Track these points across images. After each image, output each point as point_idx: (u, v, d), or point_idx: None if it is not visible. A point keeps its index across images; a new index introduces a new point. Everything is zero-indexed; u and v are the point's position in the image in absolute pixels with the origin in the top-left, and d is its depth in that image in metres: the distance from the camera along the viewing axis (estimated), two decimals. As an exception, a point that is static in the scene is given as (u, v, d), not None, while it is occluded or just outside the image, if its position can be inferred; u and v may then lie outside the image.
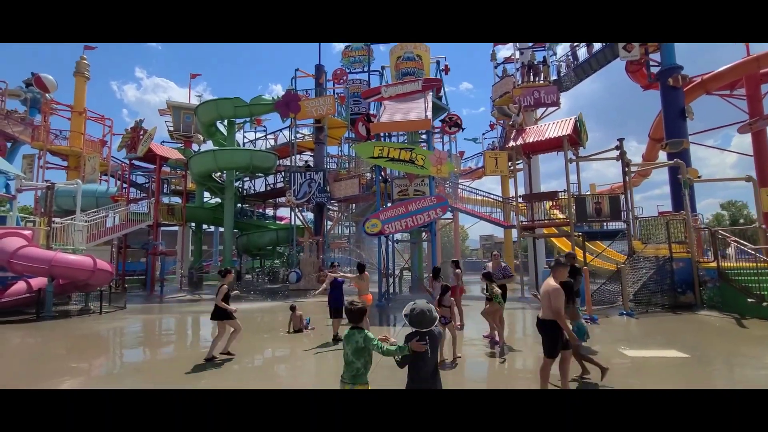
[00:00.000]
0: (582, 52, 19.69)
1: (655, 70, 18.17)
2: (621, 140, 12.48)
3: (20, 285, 11.74)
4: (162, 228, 27.56)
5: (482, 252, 42.62)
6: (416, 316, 2.73)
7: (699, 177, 16.28)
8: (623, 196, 12.50)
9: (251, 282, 24.34)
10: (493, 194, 17.04)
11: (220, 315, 6.46)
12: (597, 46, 18.91)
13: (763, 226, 12.37)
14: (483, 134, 27.41)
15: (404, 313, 2.83)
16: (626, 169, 12.39)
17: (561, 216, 14.65)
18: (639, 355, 6.24)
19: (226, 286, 6.52)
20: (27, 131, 24.66)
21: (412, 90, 13.22)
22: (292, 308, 8.68)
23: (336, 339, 7.41)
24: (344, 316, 7.71)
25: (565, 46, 21.21)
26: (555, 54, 20.83)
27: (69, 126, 25.08)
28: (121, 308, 12.93)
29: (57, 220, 14.95)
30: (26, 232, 12.44)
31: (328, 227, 21.03)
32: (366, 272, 7.78)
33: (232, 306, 6.59)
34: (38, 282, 11.83)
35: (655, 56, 18.09)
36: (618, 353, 6.37)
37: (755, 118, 18.02)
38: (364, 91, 15.69)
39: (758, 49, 17.92)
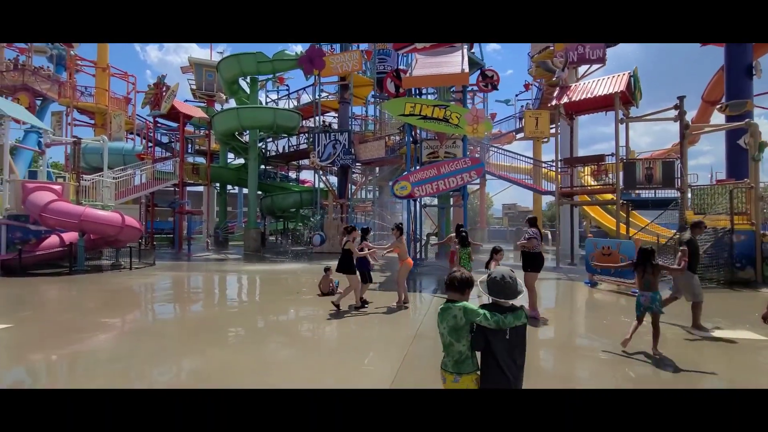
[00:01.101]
0: None
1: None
2: (681, 98, 11.19)
3: (53, 239, 11.90)
4: (187, 188, 27.92)
5: (507, 221, 41.65)
6: (497, 284, 2.20)
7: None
8: (678, 161, 11.38)
9: (275, 244, 24.49)
10: (533, 159, 15.96)
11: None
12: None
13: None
14: (516, 95, 25.80)
15: (480, 280, 2.30)
16: (685, 132, 11.19)
17: (595, 183, 13.61)
18: (722, 335, 5.53)
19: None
20: (54, 88, 24.67)
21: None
22: (327, 270, 8.35)
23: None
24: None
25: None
26: None
27: (94, 83, 24.96)
28: (151, 265, 13.05)
29: (85, 176, 15.01)
30: (56, 187, 12.47)
31: (352, 190, 20.55)
32: (403, 235, 7.27)
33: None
34: (70, 236, 11.95)
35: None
36: (689, 332, 5.74)
37: (833, 77, 16.00)
38: (395, 42, 14.53)
39: None
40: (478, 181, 13.85)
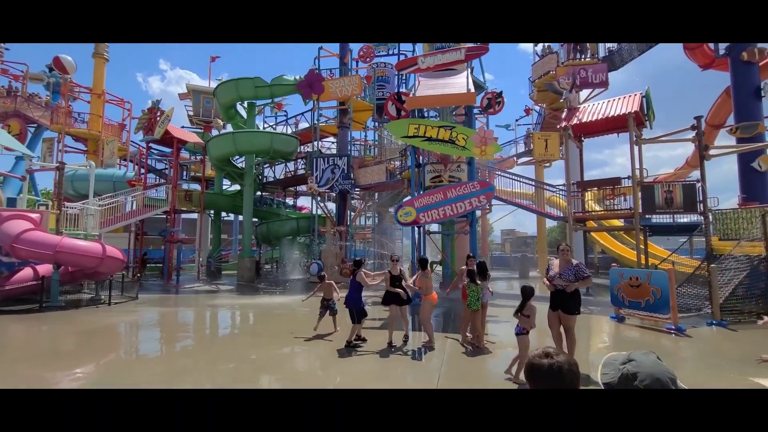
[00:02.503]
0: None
1: (723, 45, 16.03)
2: (699, 119, 10.69)
3: (26, 272, 10.93)
4: (181, 216, 27.06)
5: (508, 247, 40.80)
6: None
7: (778, 165, 14.23)
8: (699, 184, 10.72)
9: (270, 272, 23.42)
10: (545, 183, 15.28)
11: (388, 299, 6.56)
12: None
13: None
14: (516, 120, 25.51)
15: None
16: (704, 153, 10.60)
17: (599, 209, 12.87)
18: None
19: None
20: (47, 115, 24.21)
21: (453, 60, 11.66)
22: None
23: (350, 344, 6.37)
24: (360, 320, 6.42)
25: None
26: (604, 29, 18.74)
27: (89, 110, 24.54)
28: (133, 299, 12.01)
29: (69, 204, 14.18)
30: (34, 216, 11.59)
31: (351, 217, 19.77)
32: (429, 268, 6.65)
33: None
34: (46, 269, 11.00)
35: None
36: (751, 383, 4.82)
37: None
38: (398, 62, 14.13)
39: None
40: (487, 206, 13.12)
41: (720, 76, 18.12)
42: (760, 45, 14.76)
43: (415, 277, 6.88)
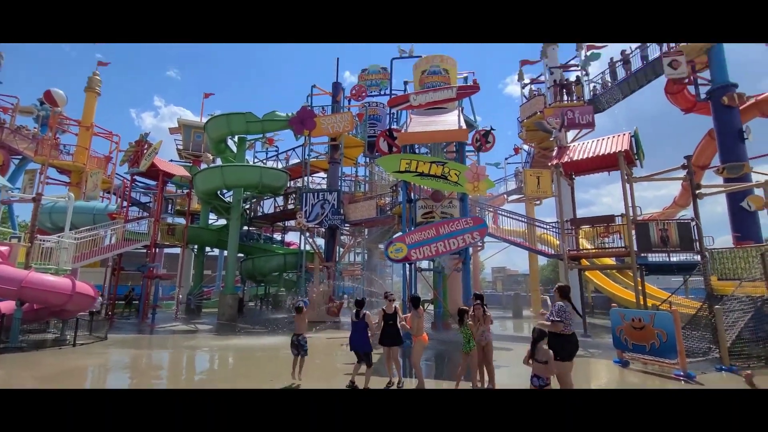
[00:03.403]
0: (621, 70, 18.31)
1: (703, 90, 16.66)
2: (688, 158, 10.76)
3: (-14, 309, 10.05)
4: (164, 251, 26.13)
5: (500, 285, 40.24)
6: None
7: (764, 206, 14.32)
8: (693, 222, 10.60)
9: (254, 310, 22.37)
10: (539, 221, 15.11)
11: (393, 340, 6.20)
12: (637, 63, 17.56)
13: None
14: (506, 159, 25.88)
15: None
16: (696, 193, 10.57)
17: (591, 247, 12.65)
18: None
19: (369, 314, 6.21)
20: (33, 147, 23.78)
21: (445, 98, 11.78)
22: (298, 309, 6.83)
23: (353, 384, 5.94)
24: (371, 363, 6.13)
25: (600, 64, 19.98)
26: (588, 74, 19.51)
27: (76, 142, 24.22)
28: (102, 339, 11.09)
29: (42, 237, 13.46)
30: (2, 249, 10.88)
31: (340, 253, 19.23)
32: (421, 307, 6.21)
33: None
34: (9, 306, 10.16)
35: (704, 74, 16.64)
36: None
37: (819, 142, 16.22)
38: (390, 99, 14.29)
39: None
40: (479, 243, 12.81)
41: (702, 119, 18.74)
42: (738, 90, 15.34)
43: (406, 316, 6.40)
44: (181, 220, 21.71)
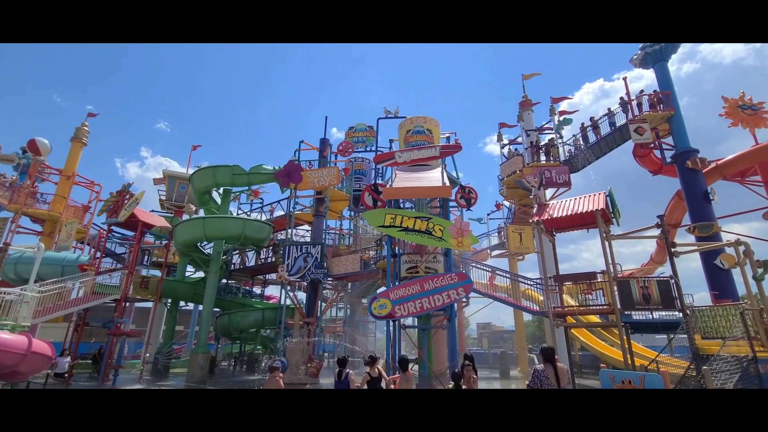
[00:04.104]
0: (592, 135, 19.57)
1: (668, 153, 17.84)
2: (661, 217, 11.19)
3: (-76, 371, 9.09)
4: (134, 305, 24.78)
5: (486, 342, 39.23)
6: None
7: (736, 264, 14.79)
8: (672, 280, 10.77)
9: (227, 371, 20.93)
10: (524, 277, 15.13)
11: None
12: (606, 129, 18.84)
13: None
14: (488, 214, 26.49)
15: None
16: (672, 251, 10.87)
17: (574, 304, 12.71)
18: None
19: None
20: (8, 195, 23.15)
21: (428, 156, 12.22)
22: (272, 369, 6.41)
23: None
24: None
25: (573, 129, 21.35)
26: (561, 137, 20.76)
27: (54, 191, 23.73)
28: (53, 406, 10.03)
29: (3, 289, 12.62)
30: (-46, 302, 10.11)
31: (322, 308, 18.59)
32: (410, 370, 5.88)
33: None
34: (-49, 367, 9.22)
35: (667, 140, 17.91)
36: None
37: (778, 204, 17.24)
38: (377, 155, 14.75)
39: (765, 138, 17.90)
40: (464, 299, 12.62)
41: (670, 180, 19.85)
42: (700, 156, 16.47)
43: (393, 377, 6.10)
44: (157, 272, 20.89)
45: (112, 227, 18.63)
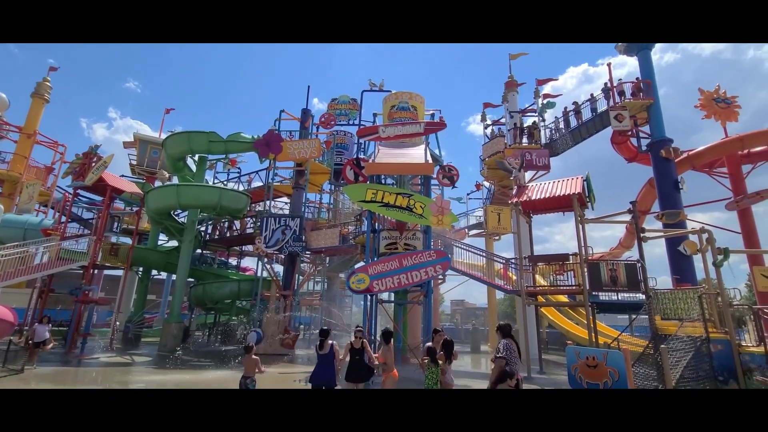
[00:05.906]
0: (573, 119, 19.77)
1: (644, 142, 18.29)
2: (634, 203, 11.56)
3: None
4: (104, 273, 24.03)
5: (459, 318, 40.45)
6: None
7: (698, 251, 15.58)
8: (639, 264, 11.26)
9: (200, 341, 20.82)
10: (498, 256, 15.46)
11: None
12: (587, 114, 19.06)
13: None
14: (468, 194, 26.76)
15: None
16: (641, 236, 11.30)
17: (546, 284, 13.21)
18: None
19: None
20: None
21: (413, 132, 12.05)
22: (248, 348, 6.44)
23: None
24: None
25: (555, 112, 21.48)
26: (544, 120, 20.90)
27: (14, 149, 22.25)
28: (17, 372, 9.74)
29: (-41, 251, 11.95)
30: None
31: (299, 281, 18.57)
32: (392, 342, 6.00)
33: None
34: None
35: (644, 129, 18.32)
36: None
37: (740, 196, 18.12)
38: (360, 129, 14.40)
39: (735, 130, 18.59)
40: (441, 276, 12.84)
41: (643, 169, 20.46)
42: (674, 145, 16.97)
43: (378, 351, 6.21)
44: (127, 240, 20.19)
45: (79, 191, 17.76)
